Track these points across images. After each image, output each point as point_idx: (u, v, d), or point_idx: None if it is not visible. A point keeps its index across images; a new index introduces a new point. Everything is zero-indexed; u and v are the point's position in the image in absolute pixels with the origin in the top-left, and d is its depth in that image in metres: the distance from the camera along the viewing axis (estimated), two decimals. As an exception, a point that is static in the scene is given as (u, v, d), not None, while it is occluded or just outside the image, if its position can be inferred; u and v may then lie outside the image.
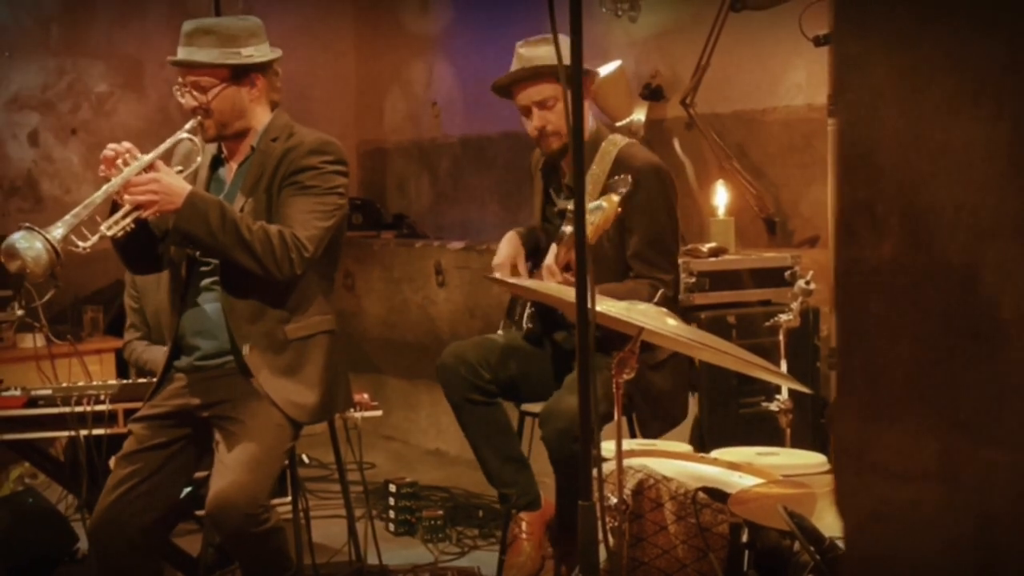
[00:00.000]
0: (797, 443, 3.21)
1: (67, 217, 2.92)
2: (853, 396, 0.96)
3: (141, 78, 6.30)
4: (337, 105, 6.98)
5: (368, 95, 7.13)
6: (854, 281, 0.95)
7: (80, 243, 2.94)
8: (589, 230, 3.01)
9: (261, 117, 3.25)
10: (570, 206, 3.45)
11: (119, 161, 3.00)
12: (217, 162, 3.33)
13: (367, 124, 7.16)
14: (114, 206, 3.05)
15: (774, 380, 2.91)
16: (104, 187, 2.99)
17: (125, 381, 3.77)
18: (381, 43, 7.01)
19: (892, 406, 0.93)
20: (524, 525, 3.59)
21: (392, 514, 4.73)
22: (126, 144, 3.04)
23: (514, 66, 3.52)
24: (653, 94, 5.15)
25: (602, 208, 3.06)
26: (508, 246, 3.74)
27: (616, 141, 3.57)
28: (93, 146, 6.13)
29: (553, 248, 3.37)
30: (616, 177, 3.19)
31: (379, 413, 3.83)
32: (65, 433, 3.62)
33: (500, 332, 3.83)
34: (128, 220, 3.02)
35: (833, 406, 1.07)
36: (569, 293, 2.24)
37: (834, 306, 0.99)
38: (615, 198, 3.08)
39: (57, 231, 2.88)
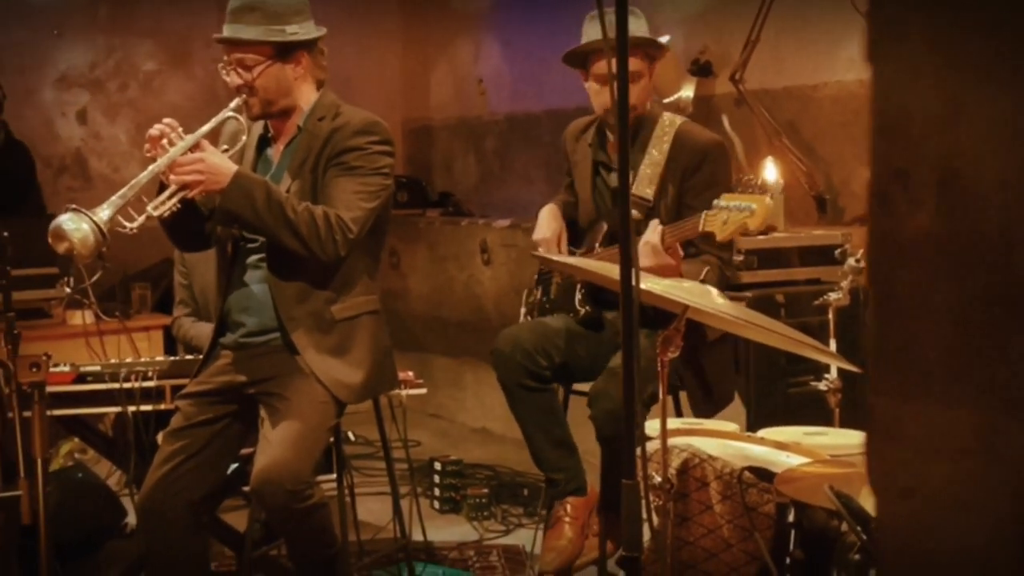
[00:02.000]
0: (846, 423, 3.17)
1: (113, 198, 2.93)
2: (887, 370, 0.92)
3: (189, 56, 6.33)
4: (383, 83, 6.97)
5: (414, 73, 7.12)
6: (888, 253, 0.91)
7: (127, 224, 2.95)
8: (724, 229, 2.94)
9: (307, 95, 3.24)
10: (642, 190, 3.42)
11: (164, 141, 3.01)
12: (264, 142, 3.33)
13: (413, 102, 7.14)
14: (160, 186, 3.06)
15: (823, 359, 2.87)
16: (150, 167, 3.00)
17: (174, 358, 3.79)
18: (427, 21, 6.98)
19: (927, 380, 0.90)
20: (569, 508, 3.57)
21: (437, 492, 4.74)
22: (169, 121, 3.04)
23: (594, 35, 3.45)
24: (702, 70, 5.09)
25: (750, 210, 2.88)
26: (553, 221, 3.71)
27: (673, 120, 3.54)
28: (141, 124, 6.16)
29: (655, 225, 3.25)
30: (749, 177, 3.08)
31: (424, 391, 3.83)
32: (113, 409, 3.65)
33: (523, 309, 3.82)
34: (174, 200, 3.02)
35: (866, 381, 1.04)
36: (613, 271, 2.20)
37: (867, 279, 0.95)
38: (770, 201, 2.93)
39: (104, 212, 2.89)
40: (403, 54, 7.10)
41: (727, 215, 2.92)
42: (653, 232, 3.23)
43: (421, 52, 7.04)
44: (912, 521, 0.91)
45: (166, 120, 3.04)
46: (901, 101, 0.89)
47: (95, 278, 3.18)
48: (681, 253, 3.16)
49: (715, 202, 2.99)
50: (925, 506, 0.90)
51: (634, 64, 3.40)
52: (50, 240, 2.88)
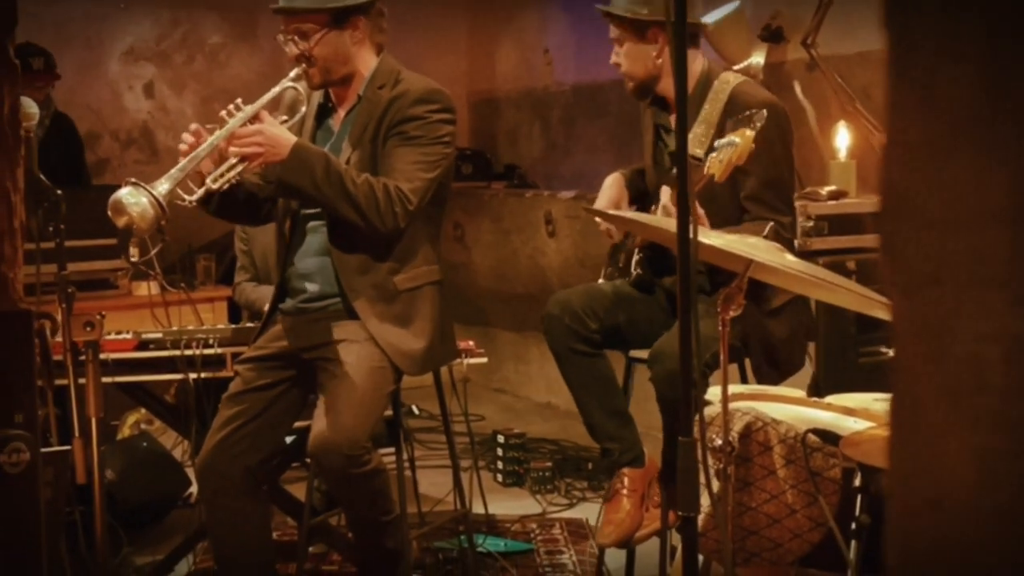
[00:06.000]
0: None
1: (172, 171, 2.92)
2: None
3: (254, 29, 6.33)
4: (449, 57, 6.92)
5: (480, 45, 7.05)
6: None
7: (186, 196, 2.94)
8: (719, 167, 2.89)
9: (367, 61, 3.20)
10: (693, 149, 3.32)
11: (223, 112, 2.99)
12: (324, 111, 3.30)
13: (478, 74, 7.08)
14: (220, 158, 3.04)
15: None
16: (209, 139, 2.97)
17: (236, 326, 3.77)
18: (493, -8, 6.91)
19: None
20: (626, 481, 3.48)
21: (500, 465, 4.70)
22: (196, 127, 2.99)
23: None
24: (773, 36, 4.96)
25: (735, 144, 2.89)
26: (612, 188, 3.63)
27: (728, 80, 3.44)
28: (207, 97, 6.19)
29: (667, 189, 3.22)
30: (748, 112, 3.02)
31: (485, 360, 3.76)
32: (175, 376, 3.64)
33: (601, 280, 3.73)
34: (233, 173, 3.00)
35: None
36: (668, 223, 2.13)
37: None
38: (749, 133, 2.91)
39: (162, 186, 2.87)
40: (469, 26, 7.05)
41: (723, 154, 2.88)
42: (665, 195, 3.14)
43: (486, 24, 6.97)
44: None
45: (193, 127, 3.00)
46: None
47: (154, 252, 3.17)
48: (701, 212, 3.05)
49: (716, 143, 2.97)
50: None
51: (612, 31, 3.36)
52: (110, 214, 2.87)
